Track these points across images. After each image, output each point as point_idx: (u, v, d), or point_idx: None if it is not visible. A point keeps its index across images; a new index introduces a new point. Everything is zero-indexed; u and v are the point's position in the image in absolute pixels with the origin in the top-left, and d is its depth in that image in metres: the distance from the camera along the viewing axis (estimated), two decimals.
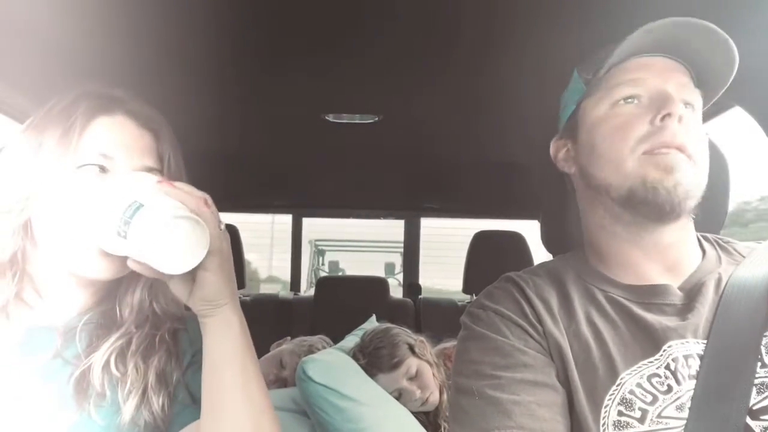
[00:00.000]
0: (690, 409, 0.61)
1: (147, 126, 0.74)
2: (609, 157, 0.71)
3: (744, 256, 0.75)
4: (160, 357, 0.73)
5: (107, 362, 0.70)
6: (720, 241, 0.79)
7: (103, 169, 0.70)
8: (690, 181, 0.68)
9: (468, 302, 2.32)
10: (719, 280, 0.71)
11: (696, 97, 0.73)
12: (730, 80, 0.73)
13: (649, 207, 0.68)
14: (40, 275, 0.73)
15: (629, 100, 0.71)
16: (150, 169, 0.73)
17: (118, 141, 0.71)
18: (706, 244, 0.78)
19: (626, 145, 0.70)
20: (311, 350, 1.58)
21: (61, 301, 0.74)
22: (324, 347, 1.62)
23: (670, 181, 0.67)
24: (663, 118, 0.68)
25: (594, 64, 0.75)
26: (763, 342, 0.63)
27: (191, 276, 0.66)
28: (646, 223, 0.71)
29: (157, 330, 0.75)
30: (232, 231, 2.33)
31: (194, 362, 0.76)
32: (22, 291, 0.72)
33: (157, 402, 0.71)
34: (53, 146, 0.69)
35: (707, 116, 1.38)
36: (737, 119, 1.21)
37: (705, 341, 0.65)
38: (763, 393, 0.60)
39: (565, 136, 0.81)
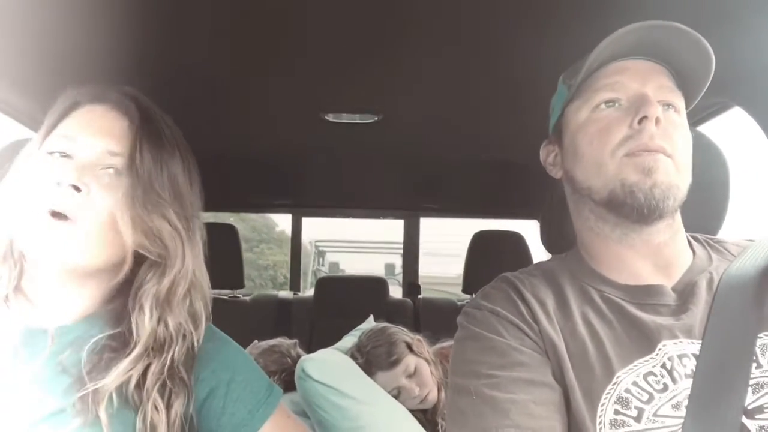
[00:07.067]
0: (687, 408, 0.61)
1: (126, 114, 0.73)
2: (591, 161, 0.72)
3: (734, 255, 0.75)
4: (180, 400, 0.72)
5: (120, 389, 0.69)
6: (710, 241, 0.80)
7: (64, 154, 0.70)
8: (669, 182, 0.68)
9: (467, 302, 2.32)
10: (711, 279, 0.71)
11: (677, 98, 0.73)
12: (709, 80, 0.73)
13: (628, 209, 0.69)
14: (33, 270, 0.72)
15: (609, 104, 0.72)
16: (113, 154, 0.71)
17: (85, 124, 0.71)
18: (695, 244, 0.78)
19: (607, 149, 0.70)
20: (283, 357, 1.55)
21: (56, 302, 0.73)
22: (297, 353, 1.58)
23: (647, 183, 0.67)
24: (640, 121, 0.68)
25: (576, 69, 0.76)
26: (758, 343, 0.64)
27: None
28: (629, 223, 0.71)
29: (169, 353, 0.72)
30: (232, 231, 2.33)
31: (213, 397, 0.77)
32: (23, 284, 0.72)
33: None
34: (38, 138, 0.71)
35: (707, 116, 1.39)
36: (737, 119, 1.21)
37: (699, 341, 0.65)
38: (758, 392, 0.61)
39: (553, 141, 0.82)
